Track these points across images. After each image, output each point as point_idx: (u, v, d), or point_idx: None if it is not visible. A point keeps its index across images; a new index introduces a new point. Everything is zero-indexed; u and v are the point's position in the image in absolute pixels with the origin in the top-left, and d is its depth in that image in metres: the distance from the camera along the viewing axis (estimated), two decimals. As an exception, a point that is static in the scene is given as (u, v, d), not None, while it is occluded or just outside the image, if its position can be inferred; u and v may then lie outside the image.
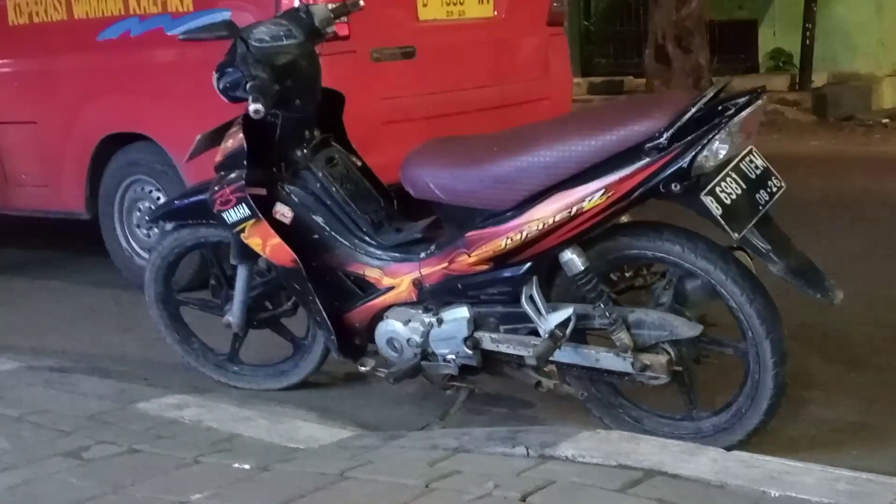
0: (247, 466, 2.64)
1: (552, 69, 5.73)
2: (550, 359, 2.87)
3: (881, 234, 5.23)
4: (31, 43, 5.41)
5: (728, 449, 2.55)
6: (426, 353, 3.08)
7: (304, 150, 3.29)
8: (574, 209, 2.73)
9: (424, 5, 5.07)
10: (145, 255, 5.05)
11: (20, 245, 6.19)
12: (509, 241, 2.84)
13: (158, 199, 4.99)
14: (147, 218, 4.98)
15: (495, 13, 5.41)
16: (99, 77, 5.15)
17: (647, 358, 2.79)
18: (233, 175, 3.21)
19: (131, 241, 5.18)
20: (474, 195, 2.89)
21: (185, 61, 4.75)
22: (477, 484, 2.35)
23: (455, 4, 5.21)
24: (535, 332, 2.90)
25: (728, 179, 2.66)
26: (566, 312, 2.84)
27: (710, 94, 2.67)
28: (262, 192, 3.25)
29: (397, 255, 3.14)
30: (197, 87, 4.62)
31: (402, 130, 4.76)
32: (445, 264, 2.99)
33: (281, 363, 3.60)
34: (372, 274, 3.17)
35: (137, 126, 5.00)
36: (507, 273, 2.91)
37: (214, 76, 3.23)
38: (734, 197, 2.65)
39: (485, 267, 2.93)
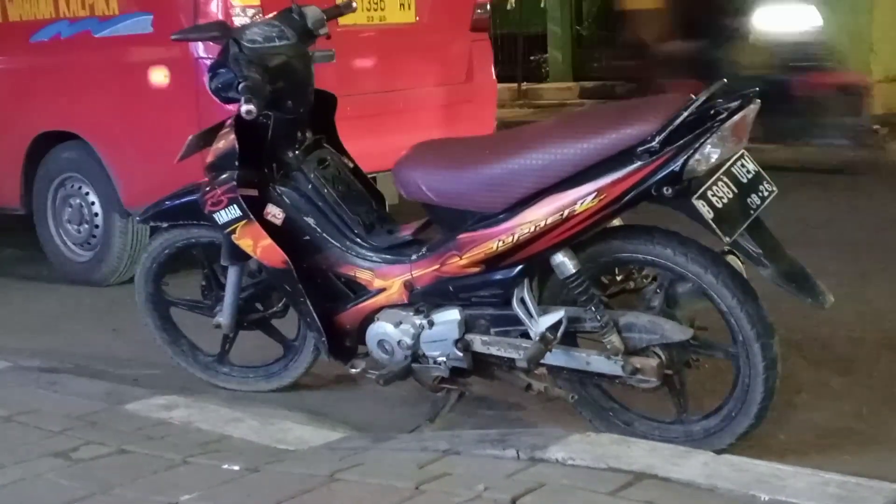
0: (236, 468, 2.63)
1: (475, 74, 5.90)
2: (541, 361, 2.87)
3: (871, 240, 5.24)
4: None
5: (718, 452, 2.56)
6: (417, 355, 3.08)
7: (296, 152, 3.28)
8: (566, 212, 2.73)
9: None
10: (76, 249, 5.26)
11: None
12: (501, 243, 2.84)
13: (87, 195, 5.14)
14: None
15: (417, 19, 5.52)
16: (32, 78, 5.30)
17: (637, 361, 2.80)
18: (224, 176, 3.21)
19: (63, 236, 5.32)
20: (466, 197, 2.89)
21: (112, 62, 4.92)
22: (467, 486, 2.35)
23: (376, 10, 5.33)
24: (525, 335, 2.90)
25: (720, 183, 2.66)
26: (557, 315, 2.84)
27: (702, 98, 2.67)
28: (254, 193, 3.24)
29: (389, 256, 3.14)
30: (123, 87, 4.88)
31: None
32: (437, 266, 2.99)
33: (271, 364, 3.60)
34: (363, 276, 3.16)
35: (68, 125, 5.14)
36: (498, 275, 2.91)
37: (207, 76, 3.23)
38: (725, 201, 2.65)
39: (476, 269, 2.92)
